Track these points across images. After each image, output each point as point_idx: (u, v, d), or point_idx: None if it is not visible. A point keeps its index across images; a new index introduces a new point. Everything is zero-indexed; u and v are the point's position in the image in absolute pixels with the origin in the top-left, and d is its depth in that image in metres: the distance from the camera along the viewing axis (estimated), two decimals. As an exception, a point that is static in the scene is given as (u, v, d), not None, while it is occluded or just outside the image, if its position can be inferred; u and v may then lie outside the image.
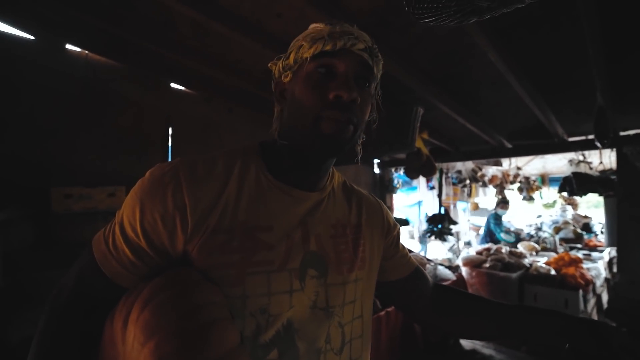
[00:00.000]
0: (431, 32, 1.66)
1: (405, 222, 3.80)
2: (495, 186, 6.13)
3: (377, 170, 4.71)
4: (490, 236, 5.27)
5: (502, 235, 5.12)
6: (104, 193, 1.73)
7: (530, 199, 6.59)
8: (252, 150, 0.64)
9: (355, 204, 0.74)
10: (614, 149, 3.14)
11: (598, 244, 5.32)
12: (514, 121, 3.19)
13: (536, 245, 4.79)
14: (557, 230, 5.90)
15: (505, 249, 4.22)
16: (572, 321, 0.67)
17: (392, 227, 0.80)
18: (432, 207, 5.42)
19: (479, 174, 5.87)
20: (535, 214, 7.55)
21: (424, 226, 5.11)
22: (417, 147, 2.92)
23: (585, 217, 6.51)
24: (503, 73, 1.94)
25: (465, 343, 3.23)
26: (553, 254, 4.36)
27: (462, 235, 6.16)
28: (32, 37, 1.68)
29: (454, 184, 5.81)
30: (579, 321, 0.67)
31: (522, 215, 8.09)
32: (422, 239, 5.43)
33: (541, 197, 7.08)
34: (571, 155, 4.04)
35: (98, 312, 0.57)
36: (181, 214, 0.53)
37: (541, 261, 3.94)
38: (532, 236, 5.84)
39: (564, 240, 5.49)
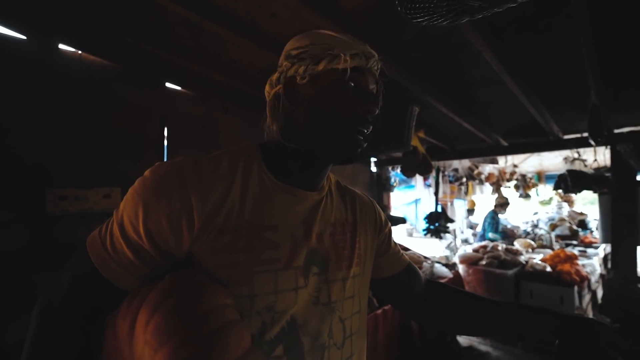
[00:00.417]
0: (426, 31, 1.66)
1: (402, 221, 3.82)
2: (492, 184, 6.15)
3: (374, 169, 4.71)
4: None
5: (490, 235, 5.18)
6: (100, 194, 1.72)
7: (527, 196, 6.62)
8: (252, 151, 0.64)
9: (349, 203, 0.76)
10: (608, 147, 3.16)
11: (593, 240, 5.36)
12: (509, 119, 3.21)
13: (532, 243, 4.82)
14: (553, 227, 5.94)
15: (501, 247, 4.25)
16: (564, 319, 0.68)
17: (384, 224, 0.82)
18: (429, 205, 5.44)
19: (476, 171, 5.89)
20: (531, 211, 7.60)
21: (422, 224, 5.13)
22: (413, 145, 2.93)
23: (581, 214, 6.55)
24: (498, 72, 1.95)
25: (462, 340, 3.25)
26: (549, 251, 4.39)
27: (459, 233, 6.18)
28: (24, 37, 1.67)
29: (450, 182, 5.84)
30: (570, 319, 0.68)
31: (518, 212, 8.14)
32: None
33: (537, 195, 7.12)
34: (566, 152, 4.07)
35: (95, 316, 0.56)
36: (188, 214, 0.52)
37: (537, 258, 3.97)
38: (528, 233, 5.88)
39: (560, 237, 5.53)
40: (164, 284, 0.50)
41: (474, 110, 2.89)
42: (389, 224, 0.84)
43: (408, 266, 0.84)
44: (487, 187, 6.28)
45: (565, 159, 4.15)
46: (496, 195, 5.84)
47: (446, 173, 5.70)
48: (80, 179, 1.77)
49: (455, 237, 5.68)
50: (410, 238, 8.39)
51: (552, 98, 2.56)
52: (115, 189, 1.77)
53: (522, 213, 8.02)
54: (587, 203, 9.41)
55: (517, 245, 4.65)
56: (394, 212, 5.70)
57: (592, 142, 2.58)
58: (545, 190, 7.06)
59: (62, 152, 1.79)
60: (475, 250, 4.30)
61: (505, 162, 5.85)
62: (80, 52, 1.86)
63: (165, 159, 2.21)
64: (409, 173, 3.79)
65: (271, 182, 0.61)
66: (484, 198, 6.61)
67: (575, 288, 3.31)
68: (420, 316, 0.84)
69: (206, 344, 0.44)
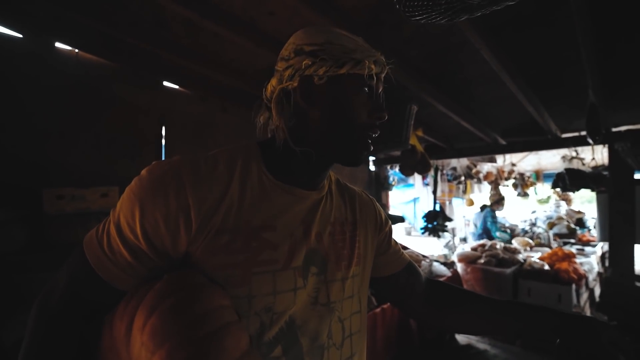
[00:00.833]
0: (424, 30, 1.66)
1: (400, 219, 3.82)
2: (490, 182, 6.16)
3: (372, 167, 4.72)
4: (486, 232, 5.31)
5: (498, 234, 5.17)
6: (97, 193, 1.71)
7: (525, 194, 6.64)
8: (251, 150, 0.63)
9: (349, 202, 0.75)
10: (606, 145, 3.17)
11: (591, 238, 5.38)
12: (507, 118, 3.21)
13: (530, 241, 4.84)
14: (551, 225, 5.95)
15: (499, 245, 4.26)
16: (564, 317, 0.68)
17: (384, 223, 0.81)
18: (427, 203, 5.44)
19: (474, 170, 5.89)
20: (529, 210, 7.61)
21: (420, 223, 5.14)
22: (411, 144, 2.93)
23: (579, 212, 6.57)
24: (496, 70, 1.95)
25: (461, 338, 3.26)
26: (547, 249, 4.41)
27: (457, 232, 6.19)
28: (20, 36, 1.66)
29: (449, 180, 5.84)
30: (571, 317, 0.68)
31: (516, 211, 8.16)
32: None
33: (535, 193, 7.13)
34: (564, 151, 4.08)
35: (92, 316, 0.56)
36: (185, 215, 0.52)
37: (535, 256, 3.99)
38: (526, 232, 5.89)
39: (557, 235, 5.55)
40: (161, 284, 0.50)
41: (472, 109, 2.89)
42: (389, 222, 0.84)
43: (408, 265, 0.84)
44: (486, 186, 6.29)
45: (563, 157, 4.16)
46: (492, 192, 5.85)
47: (444, 172, 5.70)
48: (77, 178, 1.76)
49: (453, 235, 5.70)
50: (409, 237, 8.40)
51: (551, 97, 2.57)
52: (112, 188, 1.76)
53: (520, 211, 8.04)
54: (585, 202, 9.44)
55: (515, 243, 4.66)
56: (392, 211, 5.71)
57: (590, 141, 2.59)
58: (543, 188, 7.07)
59: (59, 151, 1.79)
60: (474, 249, 4.31)
61: (503, 160, 5.86)
62: (77, 50, 1.85)
63: (163, 158, 2.21)
64: (407, 172, 3.79)
65: (270, 182, 0.61)
66: (482, 197, 6.62)
67: (573, 286, 3.33)
68: (421, 315, 0.84)
69: (203, 346, 0.44)
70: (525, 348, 3.10)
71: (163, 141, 2.25)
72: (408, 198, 7.09)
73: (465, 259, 4.05)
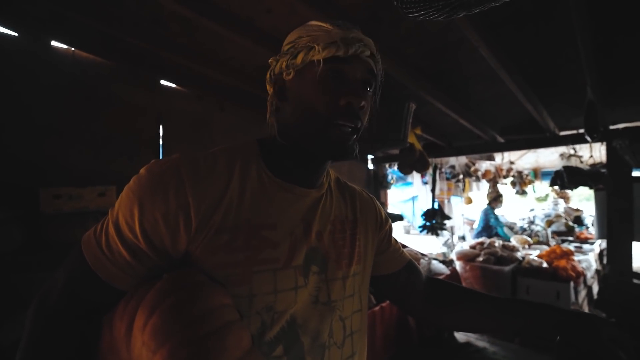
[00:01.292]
0: (422, 27, 1.66)
1: (399, 218, 3.82)
2: (488, 181, 6.17)
3: (371, 166, 4.72)
4: (487, 230, 5.31)
5: (505, 231, 5.18)
6: (94, 193, 1.70)
7: (523, 192, 6.65)
8: (250, 148, 0.63)
9: (349, 200, 0.75)
10: (604, 143, 3.17)
11: (589, 236, 5.40)
12: (506, 116, 3.22)
13: (529, 239, 4.84)
14: (550, 223, 5.97)
15: (498, 243, 4.27)
16: (565, 314, 0.68)
17: (384, 221, 0.81)
18: (426, 202, 5.45)
19: (473, 168, 5.90)
20: (528, 208, 7.63)
21: (419, 221, 5.14)
22: (410, 142, 2.93)
23: (577, 210, 6.60)
24: (494, 68, 1.95)
25: (460, 336, 3.27)
26: (545, 247, 4.42)
27: (456, 230, 6.20)
28: (15, 34, 1.65)
29: (447, 179, 5.85)
30: (571, 314, 0.67)
31: (515, 209, 8.18)
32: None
33: (534, 191, 7.15)
34: (562, 149, 4.08)
35: (91, 316, 0.55)
36: (184, 214, 0.51)
37: (533, 254, 4.00)
38: (525, 230, 5.91)
39: (556, 233, 5.56)
40: (161, 284, 0.49)
41: (471, 107, 2.89)
42: (390, 221, 0.83)
43: (409, 263, 0.83)
44: (484, 184, 6.29)
45: (562, 155, 4.17)
46: (490, 190, 5.86)
47: (443, 170, 5.71)
48: (74, 178, 1.76)
49: (452, 233, 5.70)
50: (408, 235, 8.41)
51: (549, 94, 2.57)
52: (110, 188, 1.75)
53: (519, 209, 8.06)
54: (583, 199, 9.46)
55: (514, 241, 4.67)
56: (391, 210, 5.71)
57: (588, 139, 2.59)
58: (542, 186, 7.08)
59: (56, 150, 1.78)
60: (472, 247, 4.31)
61: (501, 158, 5.87)
62: (73, 49, 1.83)
63: (160, 157, 2.20)
64: (406, 170, 3.79)
65: (269, 180, 0.60)
66: (480, 195, 6.63)
67: (572, 284, 3.33)
68: (421, 313, 0.83)
69: (204, 345, 0.44)
70: (524, 345, 3.11)
71: (160, 140, 2.24)
72: (407, 196, 7.09)
73: (464, 257, 4.06)
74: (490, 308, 0.75)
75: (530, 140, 3.74)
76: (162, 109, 2.24)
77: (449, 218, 4.81)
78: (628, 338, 0.62)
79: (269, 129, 0.65)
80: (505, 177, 6.29)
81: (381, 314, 2.28)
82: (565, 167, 3.72)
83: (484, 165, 6.04)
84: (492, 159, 5.68)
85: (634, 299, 2.15)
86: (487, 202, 5.53)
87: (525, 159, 6.16)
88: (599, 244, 4.67)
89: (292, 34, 0.61)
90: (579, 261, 3.81)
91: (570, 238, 5.34)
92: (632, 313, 2.01)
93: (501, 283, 3.65)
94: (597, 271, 4.21)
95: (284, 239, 0.58)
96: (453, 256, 4.23)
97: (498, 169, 6.14)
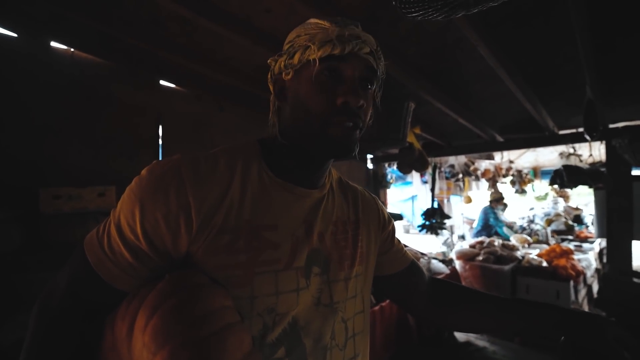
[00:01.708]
0: (421, 27, 1.66)
1: (399, 217, 3.82)
2: (488, 180, 6.18)
3: (370, 165, 4.72)
4: (486, 229, 5.32)
5: (505, 230, 5.18)
6: (94, 193, 1.70)
7: (523, 191, 6.66)
8: (252, 148, 0.63)
9: (351, 200, 0.74)
10: (603, 142, 3.18)
11: (589, 235, 5.40)
12: (505, 115, 3.22)
13: (528, 238, 4.85)
14: (549, 222, 5.98)
15: (497, 242, 4.27)
16: (568, 314, 0.67)
17: (387, 221, 0.80)
18: (426, 201, 5.45)
19: (472, 167, 5.91)
20: (527, 207, 7.64)
21: (419, 220, 5.14)
22: (409, 142, 2.93)
23: (577, 209, 6.60)
24: (493, 67, 1.95)
25: (460, 335, 3.27)
26: (545, 246, 4.42)
27: (455, 229, 6.21)
28: (15, 35, 1.64)
29: (447, 178, 5.85)
30: (575, 314, 0.67)
31: (514, 208, 8.18)
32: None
33: (533, 190, 7.16)
34: (562, 148, 4.08)
35: (93, 317, 0.55)
36: (185, 214, 0.51)
37: (533, 253, 4.00)
38: (524, 229, 5.91)
39: (555, 232, 5.57)
40: (162, 285, 0.49)
41: (470, 106, 2.89)
42: (392, 221, 0.83)
43: (411, 263, 0.83)
44: (484, 183, 6.30)
45: (561, 154, 4.17)
46: (492, 190, 5.87)
47: (442, 169, 5.71)
48: (74, 178, 1.76)
49: (452, 233, 5.71)
50: (407, 234, 8.41)
51: (548, 93, 2.57)
52: (109, 188, 1.75)
53: (518, 208, 8.07)
54: (585, 195, 9.43)
55: (514, 240, 4.67)
56: (390, 209, 5.72)
57: (588, 137, 2.59)
58: (541, 185, 7.09)
59: (55, 150, 1.78)
60: (472, 246, 4.31)
61: (501, 158, 5.87)
62: (72, 49, 1.83)
63: (160, 157, 2.20)
64: (405, 169, 3.79)
65: (271, 180, 0.60)
66: (480, 194, 6.63)
67: (571, 283, 3.34)
68: (424, 314, 0.82)
69: (205, 347, 0.43)
70: (524, 345, 3.12)
71: (160, 140, 2.24)
72: (406, 196, 7.08)
73: (463, 256, 4.06)
74: (493, 308, 0.75)
75: (530, 140, 3.75)
76: (161, 109, 2.23)
77: (448, 217, 4.82)
78: (632, 338, 0.62)
79: (270, 128, 0.64)
80: (504, 176, 6.30)
81: (381, 314, 2.28)
82: (565, 166, 3.72)
83: (484, 165, 6.04)
84: (491, 158, 5.68)
85: (633, 297, 2.15)
86: (489, 202, 5.52)
87: (525, 158, 6.16)
88: (599, 243, 4.68)
89: (291, 33, 0.61)
90: (579, 260, 3.81)
91: (570, 237, 5.35)
92: (632, 312, 2.01)
93: (501, 282, 3.65)
94: (597, 270, 4.21)
95: (285, 240, 0.58)
96: (453, 255, 4.23)
97: (497, 168, 6.15)
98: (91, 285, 0.53)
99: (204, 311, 0.46)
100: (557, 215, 6.21)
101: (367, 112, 0.60)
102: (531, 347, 3.06)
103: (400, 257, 0.81)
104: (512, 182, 6.54)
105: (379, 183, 4.76)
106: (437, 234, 4.56)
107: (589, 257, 4.12)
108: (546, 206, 7.05)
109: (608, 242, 3.14)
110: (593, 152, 3.62)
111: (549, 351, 2.90)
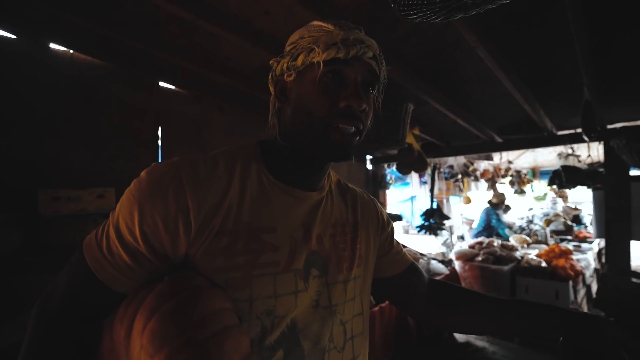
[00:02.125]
0: (420, 28, 1.66)
1: (398, 218, 3.82)
2: (487, 180, 6.19)
3: (369, 166, 4.72)
4: (487, 230, 5.32)
5: (507, 232, 5.18)
6: (93, 194, 1.70)
7: (522, 192, 6.67)
8: (251, 150, 0.63)
9: (350, 202, 0.74)
10: (602, 142, 3.18)
11: (588, 235, 5.41)
12: (504, 116, 3.22)
13: (527, 238, 4.86)
14: (548, 222, 5.99)
15: (497, 242, 4.27)
16: (568, 315, 0.67)
17: (386, 223, 0.80)
18: (425, 202, 5.46)
19: (471, 168, 5.91)
20: (526, 207, 7.65)
21: (418, 221, 5.15)
22: (408, 142, 2.93)
23: (576, 209, 6.61)
24: (492, 68, 1.95)
25: (459, 336, 3.28)
26: (544, 246, 4.43)
27: (455, 230, 6.22)
28: (14, 37, 1.65)
29: (446, 178, 5.86)
30: (574, 315, 0.67)
31: (513, 208, 8.19)
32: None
33: (532, 190, 7.17)
34: (560, 148, 4.09)
35: (92, 319, 0.55)
36: (184, 217, 0.51)
37: (532, 253, 4.00)
38: (523, 229, 5.92)
39: (554, 232, 5.58)
40: (161, 287, 0.49)
41: (469, 107, 2.90)
42: (391, 223, 0.83)
43: (411, 265, 0.83)
44: (483, 184, 6.31)
45: (560, 154, 4.18)
46: (492, 191, 5.88)
47: (442, 170, 5.72)
48: (73, 179, 1.76)
49: (451, 233, 5.71)
50: (407, 235, 8.41)
51: (546, 94, 2.58)
52: (109, 189, 1.75)
53: (517, 209, 8.08)
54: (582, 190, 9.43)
55: (513, 241, 4.68)
56: (390, 210, 5.72)
57: (586, 138, 2.59)
58: (540, 186, 7.10)
59: (55, 151, 1.78)
60: (471, 247, 4.32)
61: (500, 158, 5.88)
62: (71, 51, 1.83)
63: (159, 159, 2.20)
64: (404, 170, 3.80)
65: (270, 183, 0.60)
66: (479, 194, 6.64)
67: (570, 283, 3.34)
68: (424, 316, 0.82)
69: (203, 350, 0.43)
70: (523, 345, 3.12)
71: (159, 141, 2.24)
72: (405, 196, 7.09)
73: (462, 256, 4.06)
74: (493, 309, 0.75)
75: (528, 140, 3.75)
76: (160, 110, 2.23)
77: (447, 218, 4.82)
78: (632, 338, 0.62)
79: (270, 130, 0.65)
80: (503, 176, 6.32)
81: (380, 315, 2.28)
82: (563, 167, 3.73)
83: (483, 165, 6.06)
84: (490, 158, 5.69)
85: (632, 298, 2.15)
86: (492, 204, 5.52)
87: (524, 159, 6.18)
88: (598, 243, 4.69)
89: (294, 35, 0.61)
90: (578, 260, 3.82)
91: (569, 237, 5.36)
92: (631, 312, 2.02)
93: (500, 282, 3.66)
94: (595, 270, 4.22)
95: (284, 243, 0.58)
96: (452, 256, 4.24)
97: (496, 169, 6.16)
98: (90, 287, 0.53)
99: (202, 314, 0.46)
100: (556, 215, 6.22)
101: (369, 116, 0.61)
102: (531, 347, 3.07)
103: (400, 259, 0.81)
104: (511, 183, 6.55)
105: (378, 184, 4.76)
106: (436, 234, 4.57)
107: (587, 257, 4.12)
108: (545, 206, 7.07)
109: (607, 242, 3.15)
110: (591, 152, 3.63)
111: (548, 351, 2.91)
